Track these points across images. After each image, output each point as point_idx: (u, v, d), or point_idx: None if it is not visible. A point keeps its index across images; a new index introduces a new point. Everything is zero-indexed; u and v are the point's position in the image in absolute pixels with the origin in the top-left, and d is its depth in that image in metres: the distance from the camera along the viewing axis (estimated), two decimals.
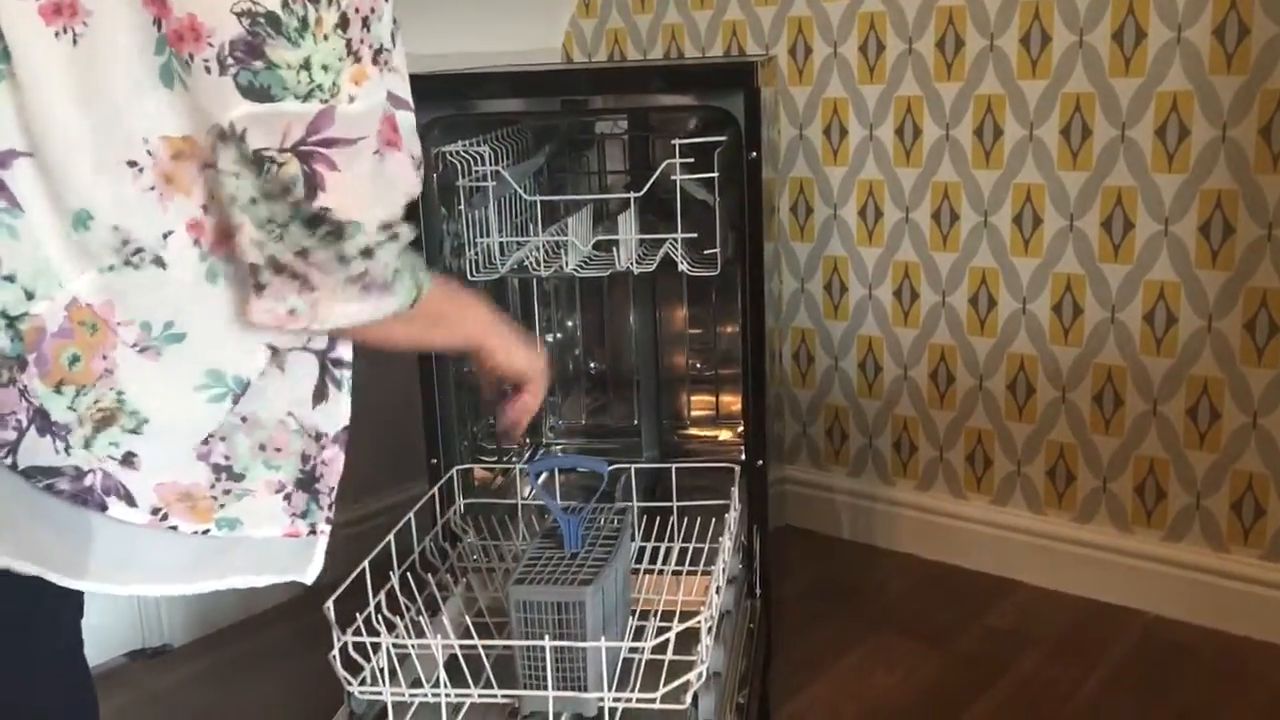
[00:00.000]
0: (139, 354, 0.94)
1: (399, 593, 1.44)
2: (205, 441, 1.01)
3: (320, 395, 1.06)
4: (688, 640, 1.32)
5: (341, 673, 1.29)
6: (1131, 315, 2.19)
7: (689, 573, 1.67)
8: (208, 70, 0.89)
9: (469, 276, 1.87)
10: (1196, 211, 2.09)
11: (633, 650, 1.41)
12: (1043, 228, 2.26)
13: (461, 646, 1.34)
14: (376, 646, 1.30)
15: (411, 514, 1.57)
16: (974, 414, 2.42)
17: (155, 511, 0.99)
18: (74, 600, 1.12)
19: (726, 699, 1.42)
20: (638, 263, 1.85)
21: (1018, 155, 2.26)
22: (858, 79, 2.43)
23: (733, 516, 1.60)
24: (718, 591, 1.42)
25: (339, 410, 1.08)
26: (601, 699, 1.31)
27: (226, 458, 1.02)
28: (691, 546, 1.71)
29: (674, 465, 1.77)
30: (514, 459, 2.23)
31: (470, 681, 1.31)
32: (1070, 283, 2.25)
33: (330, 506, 1.09)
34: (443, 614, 1.51)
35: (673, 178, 1.77)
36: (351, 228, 0.95)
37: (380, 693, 1.30)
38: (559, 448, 2.37)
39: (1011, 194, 2.28)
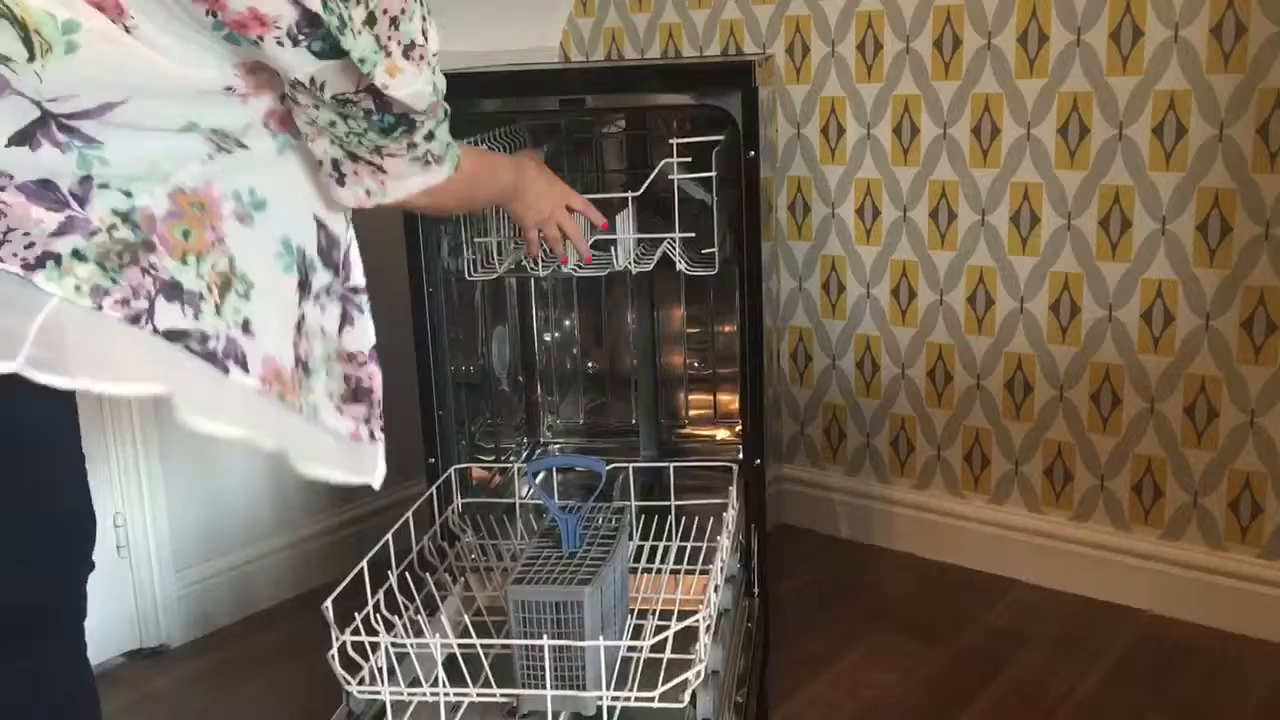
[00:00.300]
0: (238, 222, 1.08)
1: (397, 592, 1.44)
2: (297, 328, 1.15)
3: (346, 321, 1.20)
4: (686, 639, 1.32)
5: (340, 672, 1.28)
6: (1129, 314, 2.19)
7: (687, 571, 1.67)
8: (280, 45, 0.99)
9: (467, 276, 1.87)
10: (1194, 210, 2.09)
11: (631, 649, 1.40)
12: (1040, 226, 2.26)
13: (460, 646, 1.34)
14: (375, 646, 1.30)
15: (410, 513, 1.57)
16: (972, 413, 2.42)
17: (263, 380, 1.10)
18: (78, 600, 1.13)
19: (725, 697, 1.42)
20: (635, 262, 1.85)
21: (1015, 154, 2.26)
22: (855, 78, 2.43)
23: (730, 515, 1.60)
24: (716, 590, 1.42)
25: (366, 331, 1.22)
26: (600, 698, 1.31)
27: (306, 353, 1.16)
28: (689, 545, 1.71)
29: (672, 464, 1.77)
30: (512, 458, 2.24)
31: (469, 681, 1.31)
32: (1068, 281, 2.25)
33: (380, 417, 1.23)
34: (441, 613, 1.51)
35: (670, 177, 1.77)
36: (420, 120, 1.11)
37: (379, 692, 1.30)
38: (557, 447, 2.37)
39: (1009, 193, 2.29)
